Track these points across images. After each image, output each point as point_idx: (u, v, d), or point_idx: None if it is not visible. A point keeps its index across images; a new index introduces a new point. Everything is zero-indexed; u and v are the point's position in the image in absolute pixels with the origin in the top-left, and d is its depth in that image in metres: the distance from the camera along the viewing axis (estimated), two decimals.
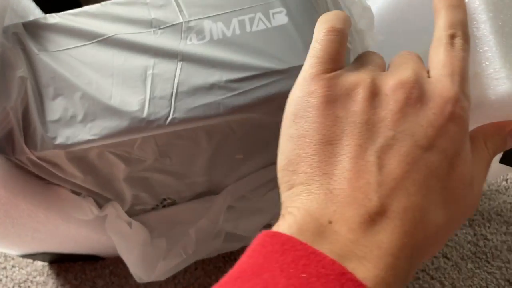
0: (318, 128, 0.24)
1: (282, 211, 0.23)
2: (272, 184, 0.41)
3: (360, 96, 0.24)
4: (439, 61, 0.26)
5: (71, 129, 0.30)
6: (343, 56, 0.26)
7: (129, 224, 0.44)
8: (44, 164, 0.32)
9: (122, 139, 0.30)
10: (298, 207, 0.22)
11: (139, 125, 0.30)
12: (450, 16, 0.28)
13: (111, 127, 0.30)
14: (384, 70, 0.27)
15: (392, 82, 0.24)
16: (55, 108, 0.31)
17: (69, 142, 0.30)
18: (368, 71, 0.25)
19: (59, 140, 0.30)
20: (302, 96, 0.25)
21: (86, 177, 0.34)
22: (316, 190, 0.23)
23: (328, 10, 0.32)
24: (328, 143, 0.23)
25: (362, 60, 0.27)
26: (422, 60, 0.28)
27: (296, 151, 0.24)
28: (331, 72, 0.25)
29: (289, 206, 0.23)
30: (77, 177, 0.34)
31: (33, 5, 0.37)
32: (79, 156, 0.32)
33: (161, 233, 0.47)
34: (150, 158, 0.34)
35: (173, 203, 0.45)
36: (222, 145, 0.34)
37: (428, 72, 0.26)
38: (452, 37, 0.27)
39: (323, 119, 0.24)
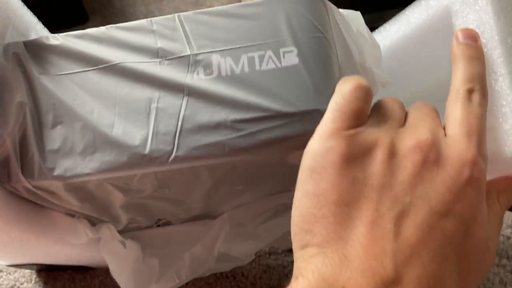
0: (335, 189, 0.24)
1: (295, 272, 0.23)
2: (271, 214, 0.40)
3: (378, 158, 0.24)
4: (456, 118, 0.25)
5: (69, 160, 0.30)
6: (367, 113, 0.26)
7: (123, 244, 0.43)
8: (39, 192, 0.31)
9: (122, 174, 0.30)
10: (312, 271, 0.22)
11: (141, 161, 0.29)
12: (469, 69, 0.28)
13: (111, 162, 0.29)
14: (403, 122, 0.26)
15: (410, 144, 0.24)
16: (55, 137, 0.30)
17: (68, 174, 0.29)
18: (387, 128, 0.25)
19: (57, 172, 0.29)
20: (321, 151, 0.24)
21: (83, 205, 0.33)
22: (331, 254, 0.23)
23: (337, 51, 0.31)
24: (345, 204, 0.23)
25: (382, 113, 0.26)
26: (438, 115, 0.28)
27: (311, 210, 0.24)
28: (352, 128, 0.25)
29: (303, 268, 0.23)
30: (73, 204, 0.33)
31: (35, 20, 0.36)
32: (77, 187, 0.31)
33: (153, 252, 0.46)
34: (149, 189, 0.33)
35: (168, 223, 0.45)
36: (223, 179, 0.33)
37: (444, 128, 0.26)
38: (470, 91, 0.27)
39: (341, 179, 0.24)
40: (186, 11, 0.32)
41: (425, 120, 0.26)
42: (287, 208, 0.40)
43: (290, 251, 0.53)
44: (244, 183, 0.35)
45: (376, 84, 0.33)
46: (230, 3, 0.32)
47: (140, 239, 0.46)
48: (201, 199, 0.37)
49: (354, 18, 0.34)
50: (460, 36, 0.32)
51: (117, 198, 0.34)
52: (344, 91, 0.26)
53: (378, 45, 0.34)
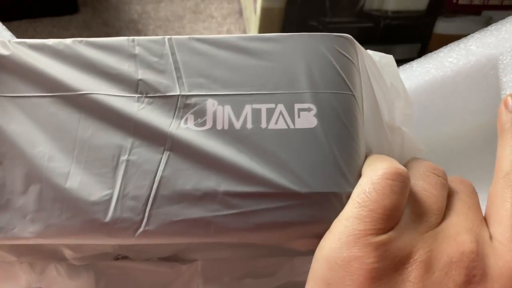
0: None
1: None
2: (252, 272, 0.34)
3: (413, 276, 0.19)
4: (506, 215, 0.21)
5: (5, 216, 0.23)
6: (402, 210, 0.20)
7: (73, 279, 0.37)
8: None
9: (72, 243, 0.23)
10: None
11: (98, 231, 0.22)
12: None
13: (59, 227, 0.22)
14: (443, 213, 0.22)
15: (451, 256, 0.20)
16: None
17: (0, 235, 0.23)
18: (425, 229, 0.21)
19: None
20: (342, 259, 0.20)
21: (22, 258, 0.27)
22: None
23: (363, 111, 0.24)
24: None
25: (419, 205, 0.21)
26: (479, 204, 0.23)
27: None
28: (383, 233, 0.20)
29: None
30: (9, 258, 0.26)
31: None
32: (14, 245, 0.24)
33: (109, 286, 0.40)
34: (108, 249, 0.26)
35: (127, 257, 0.38)
36: (200, 244, 0.27)
37: (486, 221, 0.22)
38: None
39: None
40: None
41: (468, 217, 0.22)
42: (270, 272, 0.34)
43: None
44: (225, 247, 0.29)
45: (405, 151, 0.27)
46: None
47: (94, 268, 0.40)
48: (170, 252, 0.31)
49: (386, 64, 0.27)
50: (510, 103, 0.26)
51: (68, 254, 0.27)
52: (375, 177, 0.21)
53: (411, 102, 0.28)
